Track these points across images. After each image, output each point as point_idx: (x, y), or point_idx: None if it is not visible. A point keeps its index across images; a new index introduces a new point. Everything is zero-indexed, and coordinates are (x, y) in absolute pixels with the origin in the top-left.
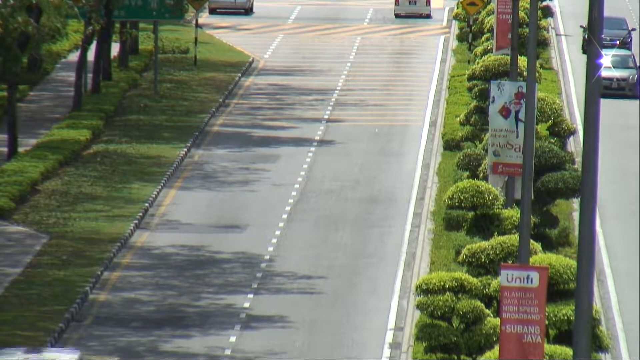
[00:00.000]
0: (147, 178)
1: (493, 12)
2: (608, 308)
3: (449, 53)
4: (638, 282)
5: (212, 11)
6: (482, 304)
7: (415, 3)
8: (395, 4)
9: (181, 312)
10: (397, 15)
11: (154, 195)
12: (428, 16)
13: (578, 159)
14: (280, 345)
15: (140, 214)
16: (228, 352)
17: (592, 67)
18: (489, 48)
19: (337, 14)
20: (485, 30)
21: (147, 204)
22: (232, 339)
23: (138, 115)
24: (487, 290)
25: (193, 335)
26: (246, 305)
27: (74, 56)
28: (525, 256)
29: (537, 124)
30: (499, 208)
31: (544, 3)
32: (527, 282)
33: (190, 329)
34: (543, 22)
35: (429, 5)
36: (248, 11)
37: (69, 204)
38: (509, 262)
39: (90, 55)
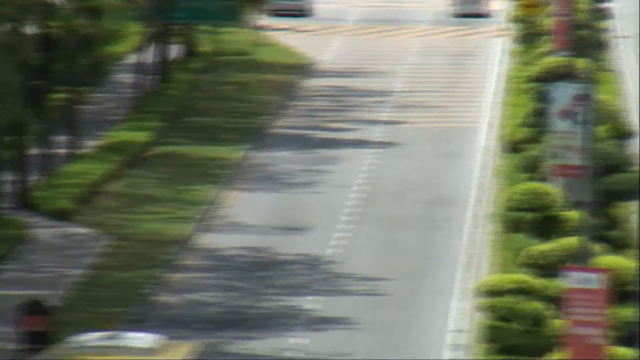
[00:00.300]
0: (208, 180)
1: (551, 14)
2: None
3: (508, 55)
4: None
5: (273, 13)
6: (543, 306)
7: (473, 2)
8: (453, 3)
9: (244, 314)
10: (455, 15)
11: (215, 197)
12: (487, 15)
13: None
14: (344, 347)
15: (202, 215)
16: (291, 353)
17: None
18: (547, 50)
19: (395, 15)
20: (544, 32)
21: (208, 206)
22: (296, 340)
23: (199, 117)
24: (547, 292)
25: (256, 337)
26: (309, 306)
27: (135, 58)
28: (586, 258)
29: (596, 125)
30: (558, 210)
31: (603, 4)
32: (588, 284)
33: (253, 330)
34: (602, 24)
35: (488, 3)
36: (307, 13)
37: (131, 206)
38: (569, 264)
39: (151, 56)
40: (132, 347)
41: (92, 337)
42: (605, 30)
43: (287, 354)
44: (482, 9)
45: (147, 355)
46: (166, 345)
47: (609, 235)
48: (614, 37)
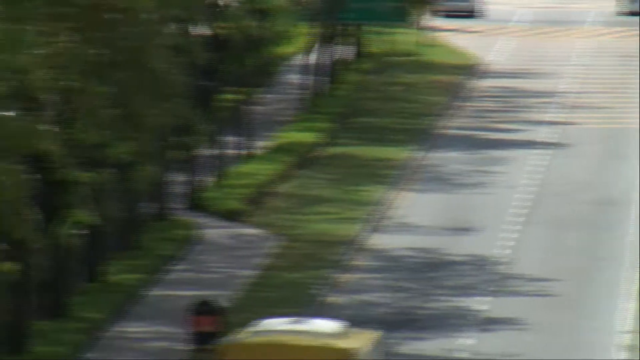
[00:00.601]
0: (377, 180)
1: None
2: None
3: None
4: None
5: (440, 14)
6: None
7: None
8: (617, 1)
9: (413, 315)
10: (620, 13)
11: (385, 198)
12: None
13: None
14: (512, 347)
15: (371, 216)
16: (464, 354)
17: None
18: None
19: (560, 16)
20: None
21: (377, 206)
22: (468, 341)
23: (367, 118)
24: None
25: (425, 338)
26: (481, 307)
27: (303, 59)
28: None
29: None
30: None
31: None
32: None
33: (422, 331)
34: None
35: None
36: (476, 14)
37: (300, 206)
38: None
39: (319, 58)
40: (318, 331)
41: (277, 322)
42: None
43: (456, 354)
44: None
45: (333, 340)
46: (350, 331)
47: None
48: None
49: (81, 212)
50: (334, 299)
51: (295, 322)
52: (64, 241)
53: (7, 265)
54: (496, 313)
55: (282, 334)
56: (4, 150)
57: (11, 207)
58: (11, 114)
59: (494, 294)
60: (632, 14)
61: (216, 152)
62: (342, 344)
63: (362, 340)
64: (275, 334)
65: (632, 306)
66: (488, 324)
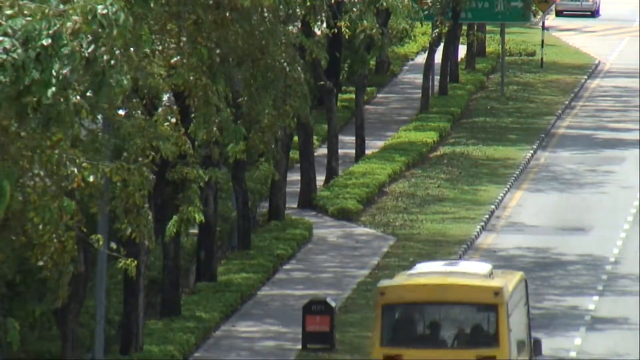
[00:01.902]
0: (494, 180)
1: None
2: None
3: None
4: None
5: (559, 13)
6: None
7: None
8: None
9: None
10: None
11: (500, 197)
12: None
13: None
14: (622, 347)
15: (487, 215)
16: (573, 354)
17: None
18: None
19: None
20: None
21: (493, 206)
22: (577, 340)
23: (484, 117)
24: None
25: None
26: (591, 307)
27: (421, 58)
28: None
29: None
30: None
31: None
32: None
33: (536, 330)
34: None
35: None
36: (594, 13)
37: (415, 206)
38: None
39: (438, 57)
40: (468, 272)
41: (431, 265)
42: None
43: (571, 354)
44: None
45: (482, 279)
46: (497, 272)
47: None
48: None
49: (194, 211)
50: None
51: (447, 264)
52: (176, 240)
53: (126, 262)
54: (605, 312)
55: (436, 275)
56: (123, 151)
57: (130, 207)
58: (130, 114)
59: (603, 293)
60: None
61: (334, 151)
62: (491, 282)
63: (508, 279)
64: (430, 275)
65: None
66: (596, 323)
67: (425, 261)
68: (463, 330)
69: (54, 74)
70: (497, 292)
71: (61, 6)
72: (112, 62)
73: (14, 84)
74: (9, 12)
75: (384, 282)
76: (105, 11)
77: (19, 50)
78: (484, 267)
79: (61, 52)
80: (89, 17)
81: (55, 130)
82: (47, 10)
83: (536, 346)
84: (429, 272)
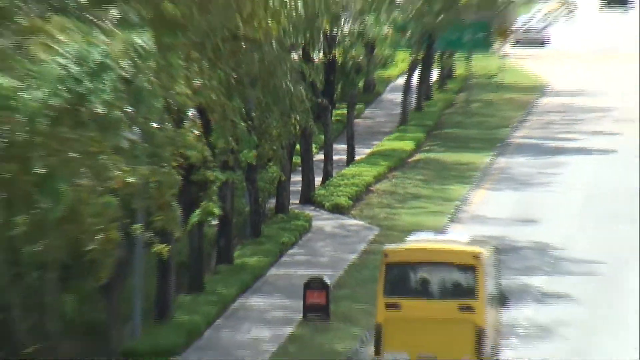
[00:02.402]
0: (460, 180)
1: None
2: None
3: None
4: None
5: (515, 43)
6: None
7: None
8: None
9: None
10: None
11: (466, 195)
12: None
13: None
14: (567, 316)
15: (455, 209)
16: (524, 322)
17: None
18: None
19: (615, 45)
20: None
21: (460, 202)
22: (528, 312)
23: (453, 129)
24: None
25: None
26: (540, 285)
27: (402, 80)
28: None
29: None
30: None
31: None
32: None
33: None
34: None
35: None
36: (544, 43)
37: (396, 202)
38: None
39: (415, 79)
40: (454, 240)
41: (425, 234)
42: None
43: (521, 322)
44: None
45: (464, 245)
46: (475, 240)
47: None
48: None
49: (214, 206)
50: None
51: (437, 234)
52: (199, 230)
53: (160, 247)
54: (551, 289)
55: (428, 242)
56: (157, 157)
57: (162, 203)
58: (162, 126)
59: (551, 273)
60: None
61: (329, 157)
62: (471, 248)
63: (484, 246)
64: (423, 242)
65: None
66: (544, 298)
67: (420, 231)
68: (448, 285)
69: (102, 86)
70: (476, 255)
71: (103, 37)
72: (147, 84)
73: (70, 92)
74: (61, 37)
75: (388, 247)
76: (140, 42)
77: (73, 68)
78: (466, 236)
79: (108, 70)
80: (128, 47)
81: (102, 139)
82: (93, 39)
83: (504, 299)
84: (422, 239)
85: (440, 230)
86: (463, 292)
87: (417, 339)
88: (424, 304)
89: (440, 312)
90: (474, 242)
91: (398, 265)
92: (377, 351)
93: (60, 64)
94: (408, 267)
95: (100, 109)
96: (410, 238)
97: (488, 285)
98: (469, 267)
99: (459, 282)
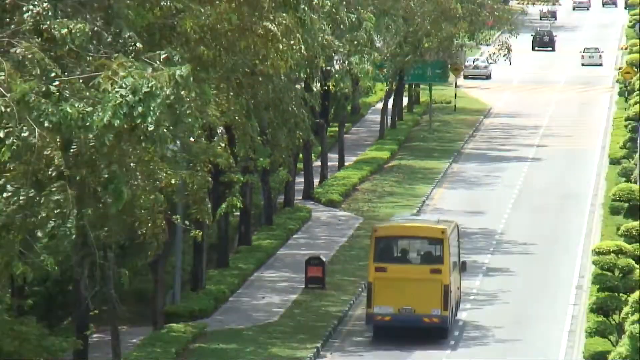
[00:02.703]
0: (425, 181)
1: None
2: None
3: (613, 104)
4: None
5: (466, 77)
6: (633, 261)
7: (592, 57)
8: (582, 59)
9: None
10: (583, 65)
11: (429, 192)
12: (601, 65)
13: None
14: (507, 286)
15: (420, 204)
16: (475, 290)
17: None
18: (637, 100)
19: (543, 78)
20: (636, 88)
21: (424, 198)
22: (477, 283)
23: (419, 142)
24: (635, 252)
25: None
26: (486, 261)
27: (380, 105)
28: None
29: None
30: None
31: None
32: None
33: None
34: None
35: (601, 58)
36: (488, 77)
37: (376, 198)
38: None
39: (390, 104)
40: (425, 219)
41: (405, 216)
42: None
43: (473, 290)
44: (599, 61)
45: (436, 224)
46: (443, 221)
47: None
48: None
49: (237, 201)
50: None
51: (413, 216)
52: (225, 219)
53: (196, 232)
54: (495, 265)
55: (408, 221)
56: (193, 163)
57: (196, 199)
58: (197, 140)
59: (494, 253)
60: (590, 64)
61: (324, 163)
62: (439, 226)
63: (449, 225)
64: (403, 221)
65: (584, 261)
66: (489, 271)
67: (400, 214)
68: (422, 253)
69: (151, 109)
70: (443, 231)
71: (150, 70)
72: (185, 108)
73: (126, 117)
74: (122, 73)
75: (377, 225)
76: (180, 74)
77: (130, 96)
78: (435, 218)
79: (156, 97)
80: (170, 79)
81: (152, 150)
82: (145, 74)
83: (463, 265)
84: (402, 219)
85: (415, 214)
86: (433, 259)
87: (399, 296)
88: (404, 267)
89: (416, 274)
90: (441, 222)
91: (384, 239)
92: (369, 305)
93: (119, 94)
94: (392, 239)
95: (150, 127)
96: (393, 218)
97: (452, 254)
98: (438, 240)
99: (430, 251)
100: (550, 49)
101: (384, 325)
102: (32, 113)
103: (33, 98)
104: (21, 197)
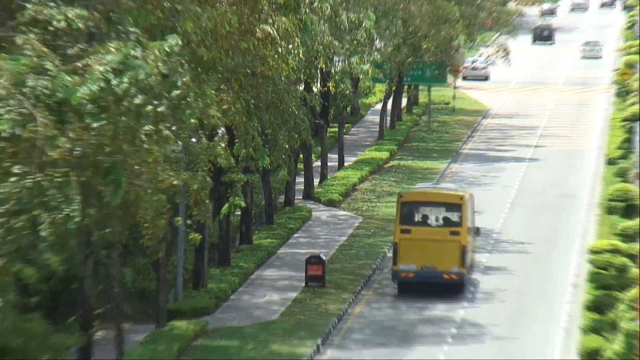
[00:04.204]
0: (424, 181)
1: (638, 79)
2: None
3: (610, 104)
4: None
5: (464, 78)
6: (627, 260)
7: (592, 50)
8: (582, 52)
9: None
10: (583, 57)
11: None
12: (600, 57)
13: None
14: (504, 285)
15: None
16: (472, 289)
17: None
18: (635, 102)
19: (542, 79)
20: (632, 89)
21: None
22: (475, 280)
23: (418, 142)
24: (630, 251)
25: None
26: (483, 260)
27: (379, 106)
28: None
29: None
30: (638, 201)
31: None
32: None
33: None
34: None
35: (601, 51)
36: (487, 78)
37: (375, 197)
38: None
39: (389, 105)
40: (446, 187)
41: (426, 184)
42: None
43: (469, 289)
44: (599, 54)
45: (456, 191)
46: (461, 189)
47: None
48: None
49: (240, 200)
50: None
51: (435, 184)
52: (227, 219)
53: (194, 236)
54: (493, 263)
55: (430, 188)
56: (192, 163)
57: (197, 200)
58: (198, 140)
59: (491, 251)
60: (591, 57)
61: (323, 163)
62: (458, 193)
63: (467, 193)
64: (427, 188)
65: (579, 259)
66: (488, 270)
67: (423, 183)
68: (442, 217)
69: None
70: (461, 197)
71: (139, 50)
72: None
73: (105, 90)
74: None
75: (402, 191)
76: (169, 45)
77: (110, 72)
78: (453, 185)
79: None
80: (160, 51)
81: (155, 151)
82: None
83: (477, 230)
84: (425, 187)
85: (436, 182)
86: (452, 222)
87: (421, 255)
88: (426, 230)
89: (437, 235)
90: (459, 190)
91: (409, 204)
92: (395, 263)
93: (99, 70)
94: (416, 204)
95: (136, 101)
96: (417, 186)
97: (469, 219)
98: (457, 205)
99: (449, 215)
100: (550, 42)
101: (408, 281)
102: (26, 87)
103: (31, 78)
104: (27, 181)
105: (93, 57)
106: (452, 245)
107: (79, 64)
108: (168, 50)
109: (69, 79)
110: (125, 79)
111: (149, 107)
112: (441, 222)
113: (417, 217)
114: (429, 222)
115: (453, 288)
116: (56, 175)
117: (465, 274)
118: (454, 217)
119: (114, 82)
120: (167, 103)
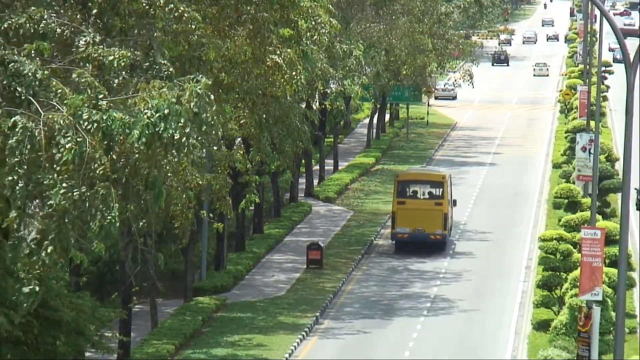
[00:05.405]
0: None
1: (578, 99)
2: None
3: (556, 119)
4: None
5: (436, 97)
6: (571, 247)
7: (541, 70)
8: (534, 71)
9: (418, 250)
10: (534, 75)
11: None
12: (548, 75)
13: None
14: (470, 266)
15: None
16: (444, 270)
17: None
18: (575, 117)
19: (499, 98)
20: (573, 107)
21: None
22: (445, 263)
23: (399, 150)
24: (573, 239)
25: (425, 261)
26: (452, 246)
27: (367, 120)
28: (594, 222)
29: (600, 155)
30: (579, 198)
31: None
32: (594, 235)
33: (424, 258)
34: (603, 104)
35: (548, 70)
36: (454, 98)
37: (363, 195)
38: (585, 225)
39: (375, 119)
40: (432, 169)
41: (417, 167)
42: (606, 106)
43: (442, 270)
44: (546, 72)
45: (439, 172)
46: (442, 172)
47: (605, 211)
48: (609, 109)
49: (255, 197)
50: (381, 242)
51: (423, 167)
52: (243, 212)
53: (219, 225)
54: (460, 249)
55: (419, 170)
56: (214, 166)
57: (219, 197)
58: (220, 149)
59: (460, 239)
60: (541, 75)
61: (321, 167)
62: (441, 173)
63: (447, 174)
64: (417, 170)
65: (531, 246)
66: (455, 254)
67: (413, 166)
68: (429, 192)
69: (172, 125)
70: (444, 177)
71: (176, 89)
72: (208, 115)
73: (151, 133)
74: (154, 93)
75: (398, 173)
76: (200, 88)
77: (155, 117)
78: (437, 169)
79: (176, 114)
80: (192, 93)
81: (184, 159)
82: (171, 93)
83: (454, 202)
84: (415, 169)
85: (423, 166)
86: (436, 196)
87: (413, 220)
88: (417, 201)
89: (425, 206)
90: (441, 172)
91: (403, 182)
92: (393, 227)
93: (146, 115)
94: (409, 182)
95: (176, 136)
96: (409, 169)
97: (449, 193)
98: (440, 183)
99: (434, 190)
100: (506, 64)
101: (403, 240)
102: (83, 122)
103: (86, 110)
104: (75, 194)
105: (139, 95)
106: (436, 213)
107: (126, 97)
108: (200, 92)
109: (115, 115)
110: (170, 128)
111: (183, 139)
112: (427, 195)
113: (410, 192)
114: (418, 195)
115: (437, 245)
116: (98, 189)
117: (447, 235)
118: (437, 192)
119: (160, 127)
120: (197, 133)
